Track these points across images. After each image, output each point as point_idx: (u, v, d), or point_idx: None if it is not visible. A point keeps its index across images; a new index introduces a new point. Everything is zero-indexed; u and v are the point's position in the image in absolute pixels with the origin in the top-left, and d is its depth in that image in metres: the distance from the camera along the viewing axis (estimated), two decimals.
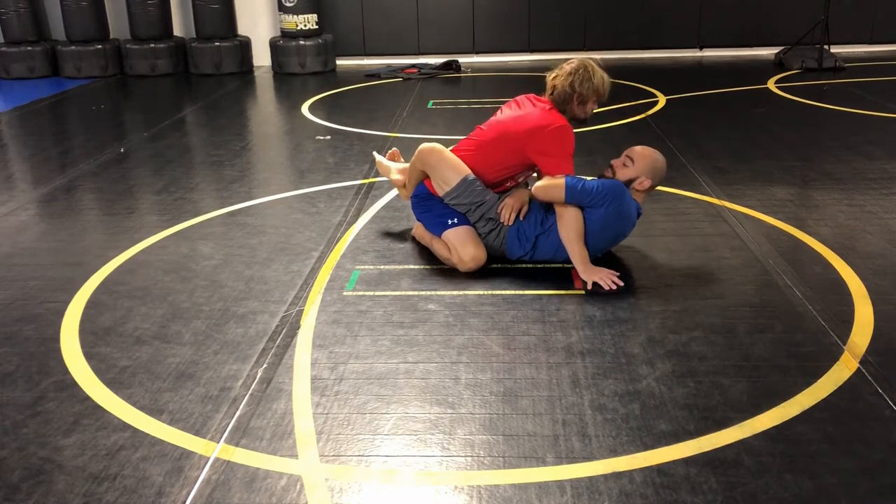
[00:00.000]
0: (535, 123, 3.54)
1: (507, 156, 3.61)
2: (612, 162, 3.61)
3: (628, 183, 3.53)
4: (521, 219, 3.58)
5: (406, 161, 4.14)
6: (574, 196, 3.38)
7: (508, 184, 3.72)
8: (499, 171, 3.65)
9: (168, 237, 4.14)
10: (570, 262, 3.54)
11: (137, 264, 3.80)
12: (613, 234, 3.53)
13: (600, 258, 3.61)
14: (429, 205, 3.72)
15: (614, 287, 3.35)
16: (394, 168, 4.17)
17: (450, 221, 3.61)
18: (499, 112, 3.83)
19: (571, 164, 3.50)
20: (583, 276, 3.41)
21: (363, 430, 2.45)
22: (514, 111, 3.71)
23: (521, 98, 3.79)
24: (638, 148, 3.62)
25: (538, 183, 3.49)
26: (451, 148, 3.75)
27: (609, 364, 2.78)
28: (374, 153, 4.47)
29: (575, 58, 3.71)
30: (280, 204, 4.68)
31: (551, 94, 3.62)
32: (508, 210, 3.58)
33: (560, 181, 3.40)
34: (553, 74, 3.64)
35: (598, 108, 3.74)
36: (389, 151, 4.36)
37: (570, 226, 3.42)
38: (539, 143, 3.51)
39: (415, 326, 3.09)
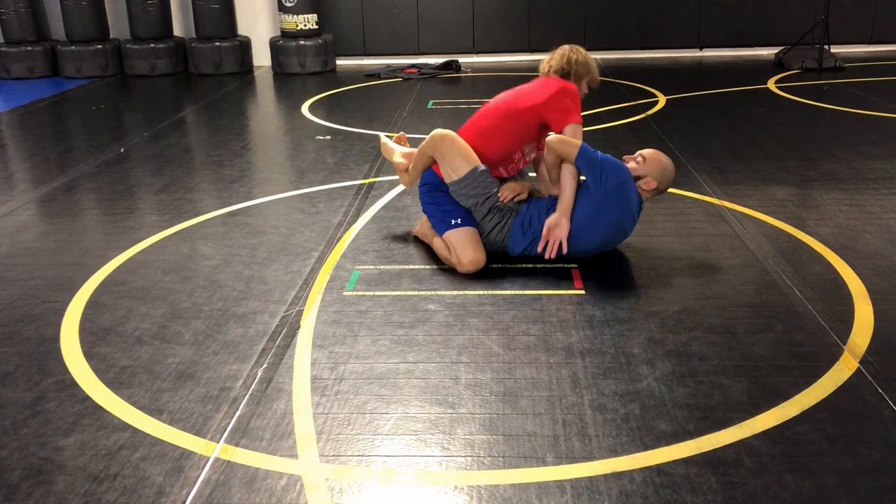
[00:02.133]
0: (555, 88, 3.66)
1: (521, 127, 3.68)
2: (624, 157, 3.66)
3: (636, 179, 3.57)
4: (515, 201, 3.64)
5: (414, 150, 4.11)
6: (585, 155, 3.47)
7: (512, 165, 3.76)
8: (511, 144, 3.70)
9: (168, 237, 4.15)
10: (570, 261, 3.55)
11: (137, 264, 3.80)
12: (614, 220, 3.52)
13: (601, 256, 3.61)
14: (437, 196, 3.71)
15: (552, 255, 3.48)
16: (398, 151, 4.11)
17: (453, 221, 3.61)
18: (504, 94, 3.89)
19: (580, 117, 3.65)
20: (550, 220, 3.48)
21: (363, 430, 2.45)
22: (524, 88, 3.82)
23: (525, 83, 3.89)
24: (651, 150, 3.68)
25: (554, 136, 3.59)
26: (458, 130, 3.79)
27: (609, 364, 2.78)
28: (381, 135, 4.44)
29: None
30: (280, 204, 4.68)
31: (548, 72, 3.79)
32: (508, 190, 3.64)
33: (576, 141, 3.52)
34: (546, 59, 3.84)
35: (589, 94, 3.89)
36: (397, 135, 4.33)
37: (570, 171, 3.52)
38: (558, 102, 3.63)
39: (415, 326, 3.09)
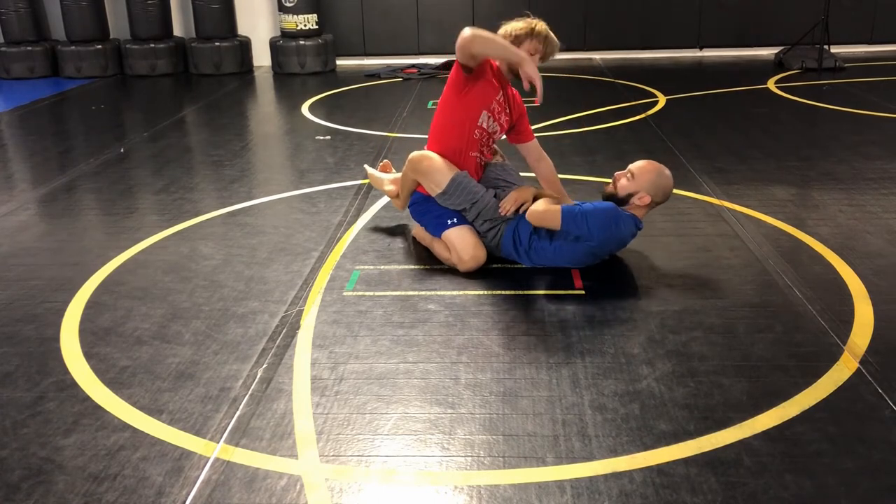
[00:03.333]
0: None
1: (453, 108, 3.64)
2: (616, 174, 3.57)
3: (628, 197, 3.49)
4: (521, 212, 3.56)
5: (398, 171, 4.16)
6: (568, 219, 3.36)
7: (482, 146, 3.74)
8: (458, 128, 3.65)
9: (168, 237, 4.15)
10: (567, 265, 3.55)
11: (137, 264, 3.80)
12: (601, 252, 3.51)
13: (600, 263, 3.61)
14: (427, 207, 3.72)
15: (535, 79, 3.41)
16: (386, 179, 4.20)
17: (449, 221, 3.62)
18: None
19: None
20: (524, 63, 3.45)
21: (363, 430, 2.45)
22: None
23: None
24: (642, 163, 3.54)
25: (533, 207, 3.47)
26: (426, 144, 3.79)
27: (609, 364, 2.78)
28: (366, 166, 4.49)
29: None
30: (280, 204, 4.68)
31: None
32: (511, 202, 3.56)
33: (556, 207, 3.40)
34: None
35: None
36: (381, 163, 4.39)
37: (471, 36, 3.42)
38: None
39: (415, 326, 3.09)
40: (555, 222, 3.40)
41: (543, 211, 3.43)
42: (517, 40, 3.63)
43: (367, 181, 4.98)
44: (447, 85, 3.68)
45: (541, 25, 3.69)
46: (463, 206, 3.61)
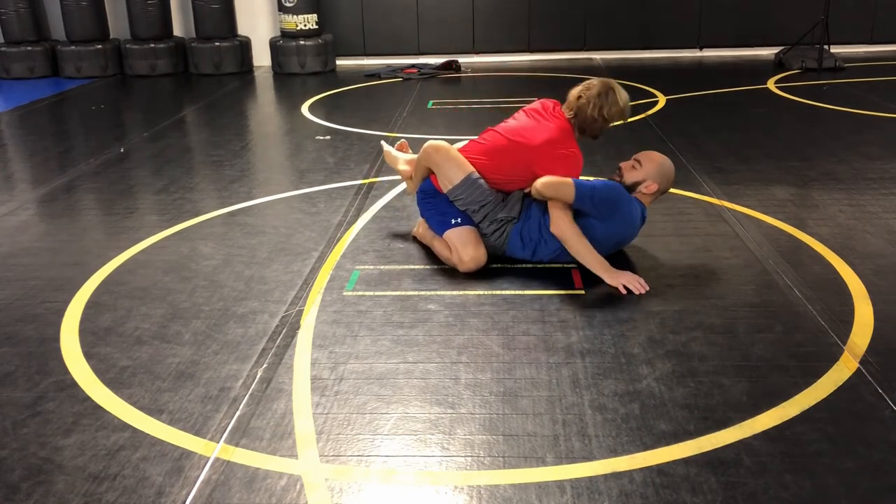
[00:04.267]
0: (549, 138, 3.55)
1: (516, 165, 3.60)
2: (621, 164, 3.64)
3: (635, 185, 3.55)
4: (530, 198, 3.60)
5: (414, 153, 4.13)
6: (581, 194, 3.36)
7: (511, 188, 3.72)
8: (505, 178, 3.64)
9: (168, 237, 4.15)
10: (569, 262, 3.54)
11: (137, 264, 3.80)
12: (617, 238, 3.54)
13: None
14: (434, 202, 3.72)
15: (643, 290, 3.32)
16: (402, 159, 4.16)
17: (453, 221, 3.61)
18: (514, 117, 3.79)
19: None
20: (609, 281, 3.35)
21: (363, 430, 2.45)
22: (531, 121, 3.68)
23: (539, 106, 3.76)
24: (646, 152, 3.66)
25: (543, 179, 3.44)
26: (458, 147, 3.74)
27: (609, 364, 2.78)
28: (383, 143, 4.45)
29: (596, 79, 3.66)
30: (280, 204, 4.68)
31: (575, 115, 3.62)
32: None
33: (568, 180, 3.40)
34: (578, 95, 3.62)
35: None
36: (398, 143, 4.35)
37: (574, 244, 3.39)
38: (549, 161, 3.51)
39: (415, 326, 3.09)
40: (568, 194, 3.37)
41: (559, 182, 3.40)
42: (607, 122, 3.61)
43: (366, 181, 4.98)
44: (525, 156, 3.56)
45: (611, 96, 3.57)
46: (471, 206, 3.61)
